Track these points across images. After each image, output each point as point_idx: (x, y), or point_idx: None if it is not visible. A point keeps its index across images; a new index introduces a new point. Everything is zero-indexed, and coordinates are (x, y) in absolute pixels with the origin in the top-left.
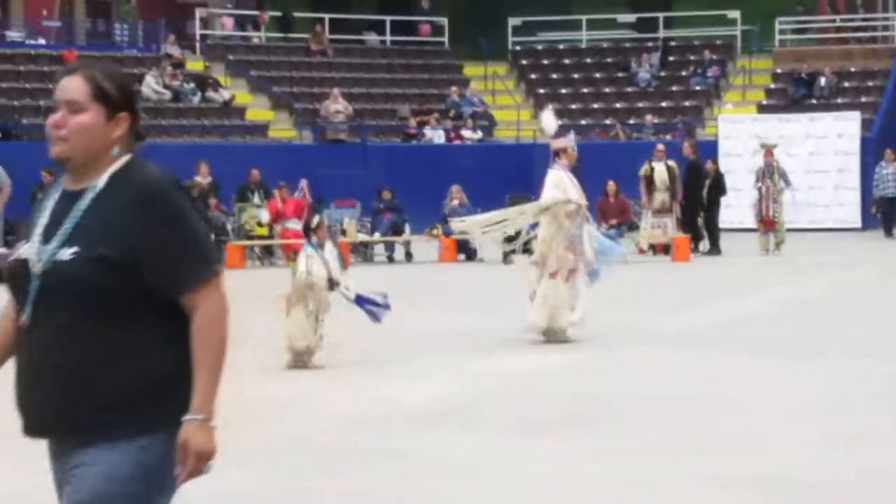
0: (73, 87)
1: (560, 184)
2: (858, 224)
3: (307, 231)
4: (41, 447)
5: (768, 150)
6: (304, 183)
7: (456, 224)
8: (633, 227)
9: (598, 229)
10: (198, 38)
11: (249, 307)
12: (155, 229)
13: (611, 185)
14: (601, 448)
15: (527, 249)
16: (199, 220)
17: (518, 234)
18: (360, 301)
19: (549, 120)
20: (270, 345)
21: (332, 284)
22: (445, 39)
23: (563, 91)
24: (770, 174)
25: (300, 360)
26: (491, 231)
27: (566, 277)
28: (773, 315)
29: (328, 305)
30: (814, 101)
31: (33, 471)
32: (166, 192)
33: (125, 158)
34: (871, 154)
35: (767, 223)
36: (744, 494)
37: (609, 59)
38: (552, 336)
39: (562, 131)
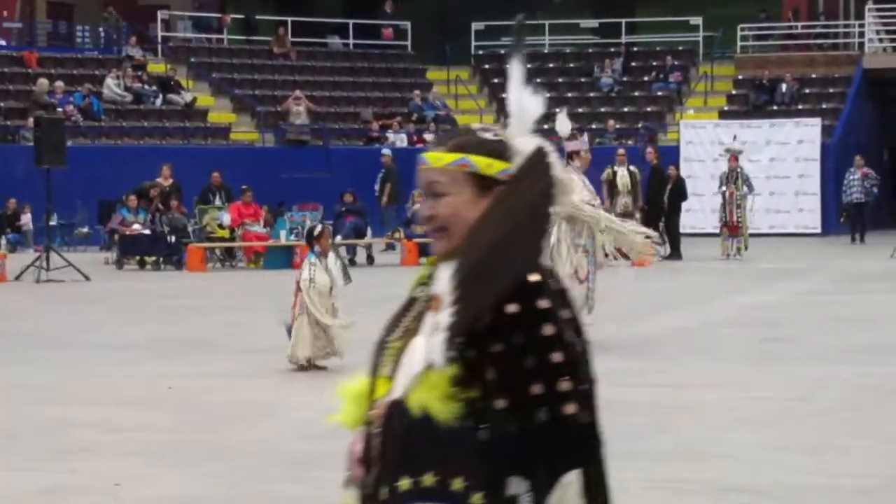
0: None
1: (573, 186)
2: (819, 230)
3: (310, 240)
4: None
5: (733, 155)
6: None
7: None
8: None
9: None
10: (160, 40)
11: (217, 308)
12: None
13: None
14: None
15: None
16: None
17: None
18: None
19: (563, 121)
20: (239, 348)
21: (332, 294)
22: (408, 43)
23: None
24: (734, 179)
25: (302, 366)
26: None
27: (581, 280)
28: (733, 321)
29: (335, 311)
30: (775, 108)
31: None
32: None
33: None
34: (832, 160)
35: (731, 228)
36: (704, 500)
37: (572, 65)
38: None
39: (575, 134)
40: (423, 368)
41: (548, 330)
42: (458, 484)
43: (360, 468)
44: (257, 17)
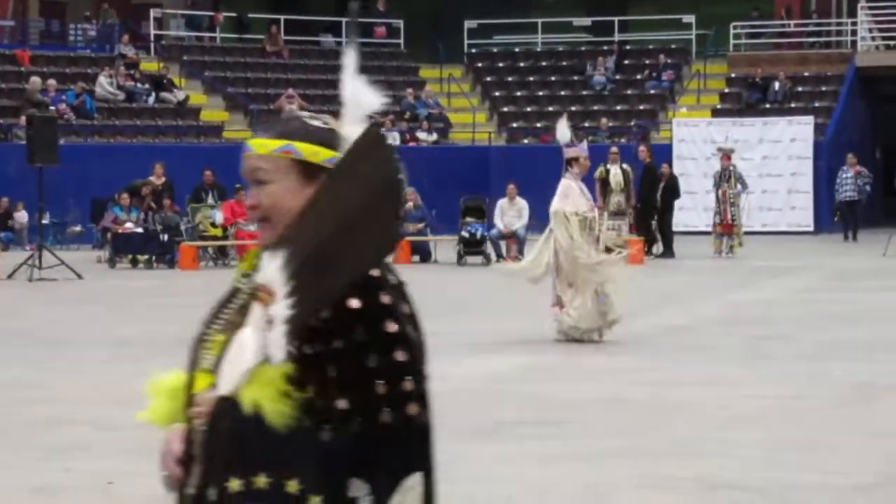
0: None
1: (568, 193)
2: (811, 228)
3: None
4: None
5: (726, 154)
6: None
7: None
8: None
9: None
10: (152, 38)
11: (210, 306)
12: None
13: None
14: (556, 451)
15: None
16: None
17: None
18: None
19: (563, 129)
20: None
21: None
22: (401, 41)
23: (519, 94)
24: (727, 178)
25: None
26: (533, 269)
27: (586, 286)
28: (725, 319)
29: None
30: (768, 106)
31: None
32: None
33: None
34: (824, 158)
35: (725, 227)
36: (696, 497)
37: (564, 63)
38: (583, 337)
39: (575, 140)
40: (256, 364)
41: (391, 327)
42: (293, 486)
43: (178, 468)
44: (250, 15)
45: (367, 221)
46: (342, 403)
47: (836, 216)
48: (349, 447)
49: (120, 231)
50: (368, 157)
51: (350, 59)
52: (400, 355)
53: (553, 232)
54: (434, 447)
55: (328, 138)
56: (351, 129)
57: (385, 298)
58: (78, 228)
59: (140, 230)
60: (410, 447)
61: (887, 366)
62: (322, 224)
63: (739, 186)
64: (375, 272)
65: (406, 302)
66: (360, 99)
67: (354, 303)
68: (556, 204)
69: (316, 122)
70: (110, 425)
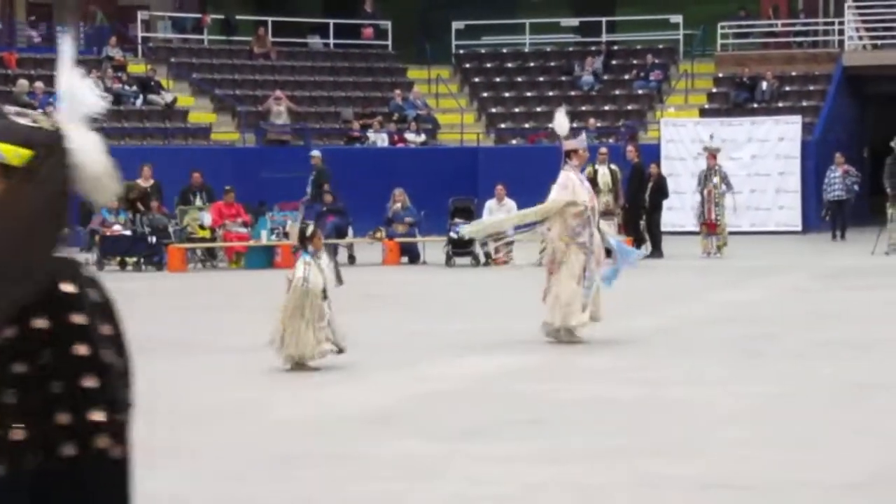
0: None
1: (568, 185)
2: (799, 227)
3: (303, 239)
4: None
5: (711, 153)
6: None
7: (465, 229)
8: None
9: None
10: (140, 40)
11: (198, 308)
12: None
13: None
14: (546, 450)
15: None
16: None
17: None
18: None
19: (561, 121)
20: (219, 348)
21: (325, 295)
22: (389, 43)
23: (507, 94)
24: (712, 178)
25: (296, 364)
26: (496, 234)
27: (577, 280)
28: (714, 318)
29: (325, 313)
30: (755, 106)
31: None
32: None
33: None
34: (812, 158)
35: (709, 226)
36: (684, 497)
37: (552, 63)
38: (564, 336)
39: (573, 132)
40: None
41: (81, 350)
42: None
43: None
44: (237, 17)
45: (39, 235)
46: (18, 434)
47: (825, 215)
48: (27, 484)
49: (108, 233)
50: (48, 168)
51: (67, 50)
52: (89, 381)
53: (552, 226)
54: (131, 484)
55: (32, 138)
56: (68, 126)
57: (77, 318)
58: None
59: (128, 232)
60: (100, 484)
61: (876, 364)
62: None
63: (724, 186)
64: (71, 288)
65: (110, 322)
66: (76, 94)
67: (41, 322)
68: (553, 193)
69: (24, 120)
70: None
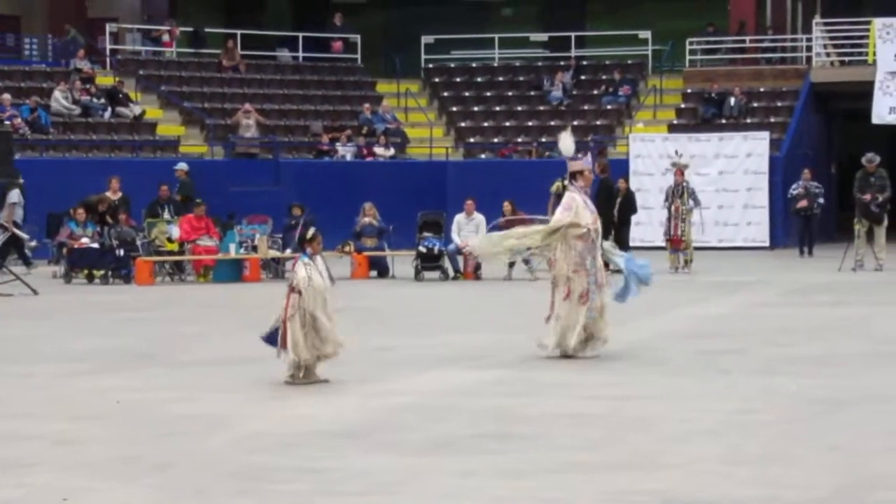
0: None
1: (572, 206)
2: (767, 243)
3: (301, 242)
4: None
5: (679, 169)
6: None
7: (471, 242)
8: None
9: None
10: (108, 52)
11: (167, 321)
12: None
13: (507, 206)
14: (515, 465)
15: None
16: None
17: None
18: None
19: (567, 142)
20: (188, 361)
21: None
22: (358, 56)
23: (476, 109)
24: (679, 193)
25: (307, 374)
26: (501, 251)
27: (583, 301)
28: (681, 333)
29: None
30: (724, 121)
31: None
32: None
33: None
34: (780, 173)
35: (674, 242)
36: None
37: (521, 78)
38: (565, 353)
39: (578, 153)
40: None
41: None
42: None
43: None
44: (206, 29)
45: None
46: None
47: (795, 212)
48: None
49: (76, 246)
50: None
51: None
52: None
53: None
54: None
55: None
56: None
57: None
58: (33, 243)
59: (96, 245)
60: None
61: (842, 380)
62: None
63: (692, 202)
64: None
65: None
66: None
67: None
68: (557, 214)
69: None
70: (65, 440)
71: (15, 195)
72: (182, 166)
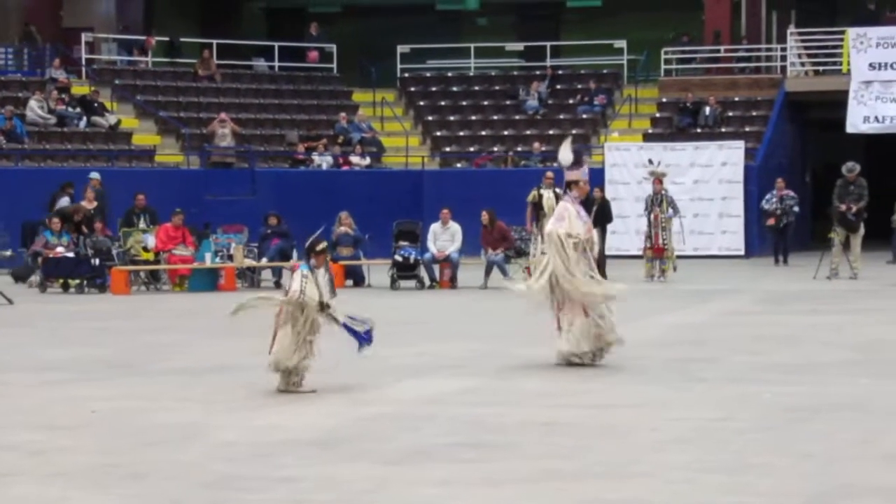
0: None
1: (565, 216)
2: (742, 251)
3: (308, 252)
4: None
5: (658, 178)
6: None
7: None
8: (521, 252)
9: (485, 255)
10: (84, 62)
11: (142, 331)
12: None
13: (484, 216)
14: (485, 474)
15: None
16: None
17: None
18: (346, 328)
19: (565, 152)
20: (163, 370)
21: (323, 307)
22: (334, 66)
23: (452, 118)
24: (659, 202)
25: (289, 381)
26: (538, 290)
27: (584, 310)
28: (657, 342)
29: (318, 326)
30: (699, 130)
31: None
32: None
33: None
34: (755, 183)
35: (656, 251)
36: None
37: (497, 87)
38: (578, 360)
39: (576, 164)
40: None
41: None
42: None
43: None
44: (182, 39)
45: None
46: None
47: (769, 222)
48: None
49: (51, 255)
50: None
51: None
52: None
53: (547, 255)
54: None
55: None
56: None
57: None
58: (8, 253)
59: (71, 254)
60: None
61: (816, 388)
62: None
63: (671, 211)
64: None
65: None
66: None
67: None
68: (550, 225)
69: None
70: (39, 450)
71: None
72: (95, 175)
